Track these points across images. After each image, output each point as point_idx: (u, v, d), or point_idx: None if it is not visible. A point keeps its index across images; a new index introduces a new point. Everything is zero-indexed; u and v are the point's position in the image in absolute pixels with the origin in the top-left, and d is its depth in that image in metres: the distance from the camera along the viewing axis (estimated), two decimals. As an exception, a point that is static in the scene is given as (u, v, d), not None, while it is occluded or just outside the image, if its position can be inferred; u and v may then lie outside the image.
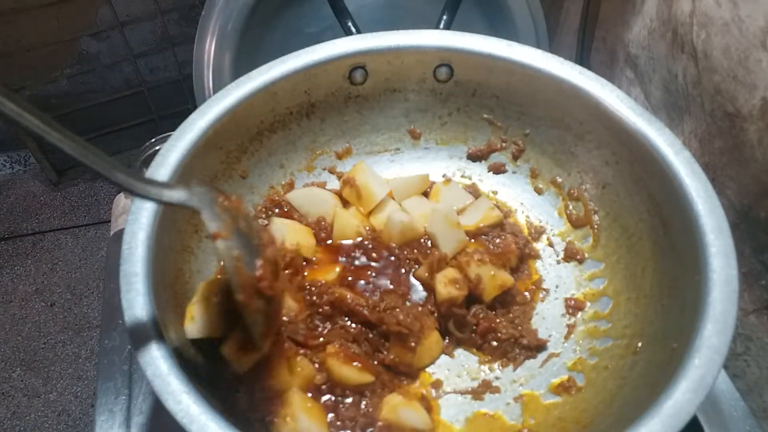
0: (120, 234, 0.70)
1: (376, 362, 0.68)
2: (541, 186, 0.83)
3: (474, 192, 0.84)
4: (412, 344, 0.67)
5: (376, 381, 0.66)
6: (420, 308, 0.70)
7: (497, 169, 0.85)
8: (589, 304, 0.74)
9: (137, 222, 0.60)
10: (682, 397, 0.50)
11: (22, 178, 2.18)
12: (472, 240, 0.77)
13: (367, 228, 0.78)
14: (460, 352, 0.72)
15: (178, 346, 0.56)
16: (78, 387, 1.70)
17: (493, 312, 0.72)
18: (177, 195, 0.52)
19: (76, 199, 2.13)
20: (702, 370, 0.51)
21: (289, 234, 0.74)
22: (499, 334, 0.70)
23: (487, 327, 0.70)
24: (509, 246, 0.74)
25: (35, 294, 1.89)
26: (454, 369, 0.71)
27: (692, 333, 0.53)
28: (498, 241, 0.76)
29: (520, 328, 0.71)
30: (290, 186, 0.82)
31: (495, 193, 0.85)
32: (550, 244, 0.80)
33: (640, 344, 0.64)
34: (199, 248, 0.70)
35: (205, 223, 0.52)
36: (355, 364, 0.65)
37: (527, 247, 0.78)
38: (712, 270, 0.56)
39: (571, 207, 0.80)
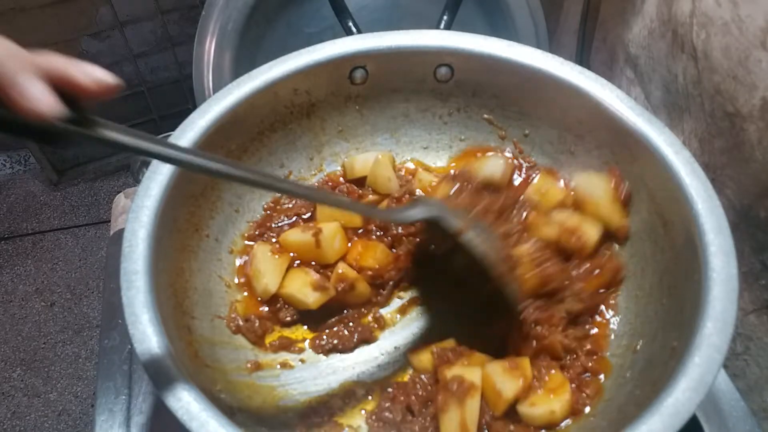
0: (120, 234, 0.70)
1: None
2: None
3: None
4: None
5: None
6: None
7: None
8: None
9: (138, 220, 0.60)
10: (682, 396, 0.50)
11: (22, 178, 2.18)
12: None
13: None
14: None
15: (179, 345, 0.56)
16: (78, 387, 1.70)
17: None
18: (418, 212, 0.64)
19: (76, 199, 2.13)
20: (702, 369, 0.51)
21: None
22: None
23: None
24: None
25: (35, 294, 1.88)
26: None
27: (692, 331, 0.54)
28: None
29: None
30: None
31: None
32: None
33: (640, 343, 0.64)
34: (199, 247, 0.71)
35: (448, 225, 0.63)
36: None
37: None
38: (711, 269, 0.56)
39: (571, 206, 0.80)
